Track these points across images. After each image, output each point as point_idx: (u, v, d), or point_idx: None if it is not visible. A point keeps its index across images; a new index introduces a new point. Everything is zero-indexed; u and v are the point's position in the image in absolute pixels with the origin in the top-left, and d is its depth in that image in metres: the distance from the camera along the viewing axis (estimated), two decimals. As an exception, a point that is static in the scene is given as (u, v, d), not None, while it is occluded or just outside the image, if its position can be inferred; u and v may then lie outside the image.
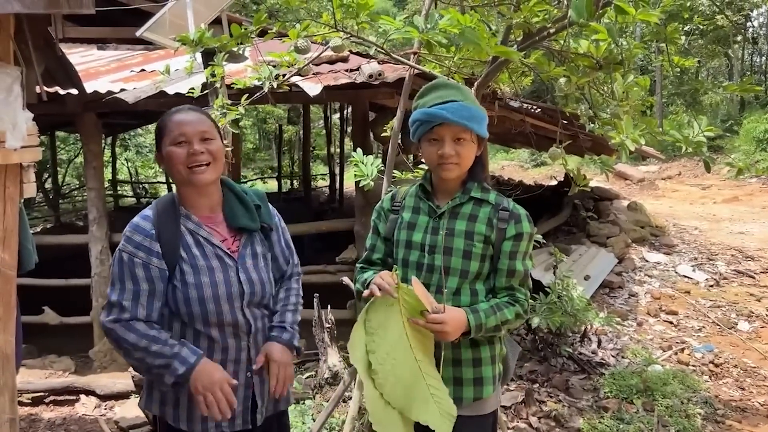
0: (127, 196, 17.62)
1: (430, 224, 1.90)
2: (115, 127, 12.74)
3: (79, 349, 5.31)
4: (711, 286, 6.92)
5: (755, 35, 26.07)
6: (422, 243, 1.89)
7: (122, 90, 4.61)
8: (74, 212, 14.36)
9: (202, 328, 1.70)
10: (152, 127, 18.98)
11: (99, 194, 5.45)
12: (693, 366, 4.69)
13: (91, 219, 5.39)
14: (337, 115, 17.90)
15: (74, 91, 4.51)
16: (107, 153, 15.10)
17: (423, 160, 1.92)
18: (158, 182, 18.61)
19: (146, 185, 19.22)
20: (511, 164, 23.62)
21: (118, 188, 16.80)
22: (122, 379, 4.57)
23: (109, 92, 4.59)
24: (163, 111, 1.82)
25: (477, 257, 1.85)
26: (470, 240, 1.84)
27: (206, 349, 1.71)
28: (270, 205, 1.92)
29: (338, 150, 16.04)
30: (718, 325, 5.64)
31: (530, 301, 2.00)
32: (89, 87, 4.65)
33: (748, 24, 24.42)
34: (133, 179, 19.45)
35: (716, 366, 4.69)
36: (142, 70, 5.59)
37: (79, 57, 6.69)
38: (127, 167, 19.98)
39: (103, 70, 5.89)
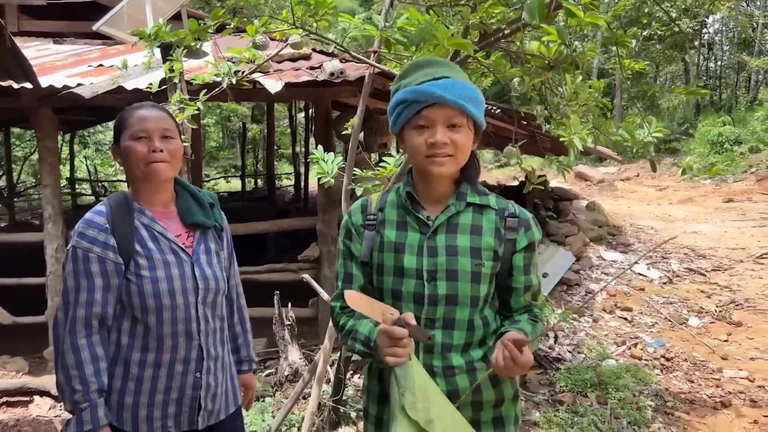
0: (86, 195, 17.22)
1: (424, 243, 1.51)
2: (74, 124, 12.45)
3: (33, 350, 5.16)
4: (664, 283, 7.15)
5: (711, 41, 26.97)
6: (418, 268, 1.49)
7: (79, 85, 4.51)
8: (30, 210, 13.99)
9: (153, 325, 1.68)
10: (112, 124, 18.58)
11: (54, 191, 5.32)
12: (645, 360, 4.85)
13: (46, 216, 5.26)
14: (303, 113, 17.85)
15: (29, 85, 4.40)
16: (65, 150, 14.76)
17: (406, 154, 1.56)
18: (118, 180, 18.23)
19: (105, 183, 18.83)
20: (475, 165, 23.82)
21: (77, 186, 16.41)
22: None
23: (65, 87, 4.48)
24: (123, 107, 1.80)
25: (486, 278, 1.50)
26: (478, 258, 1.48)
27: (155, 348, 1.69)
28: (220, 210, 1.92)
29: (303, 149, 15.98)
30: (670, 320, 5.83)
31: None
32: (45, 81, 4.54)
33: (704, 30, 25.23)
34: (92, 177, 19.03)
35: (667, 360, 4.85)
36: (100, 65, 5.48)
37: (35, 51, 6.53)
38: (86, 165, 19.53)
39: (59, 64, 5.76)
